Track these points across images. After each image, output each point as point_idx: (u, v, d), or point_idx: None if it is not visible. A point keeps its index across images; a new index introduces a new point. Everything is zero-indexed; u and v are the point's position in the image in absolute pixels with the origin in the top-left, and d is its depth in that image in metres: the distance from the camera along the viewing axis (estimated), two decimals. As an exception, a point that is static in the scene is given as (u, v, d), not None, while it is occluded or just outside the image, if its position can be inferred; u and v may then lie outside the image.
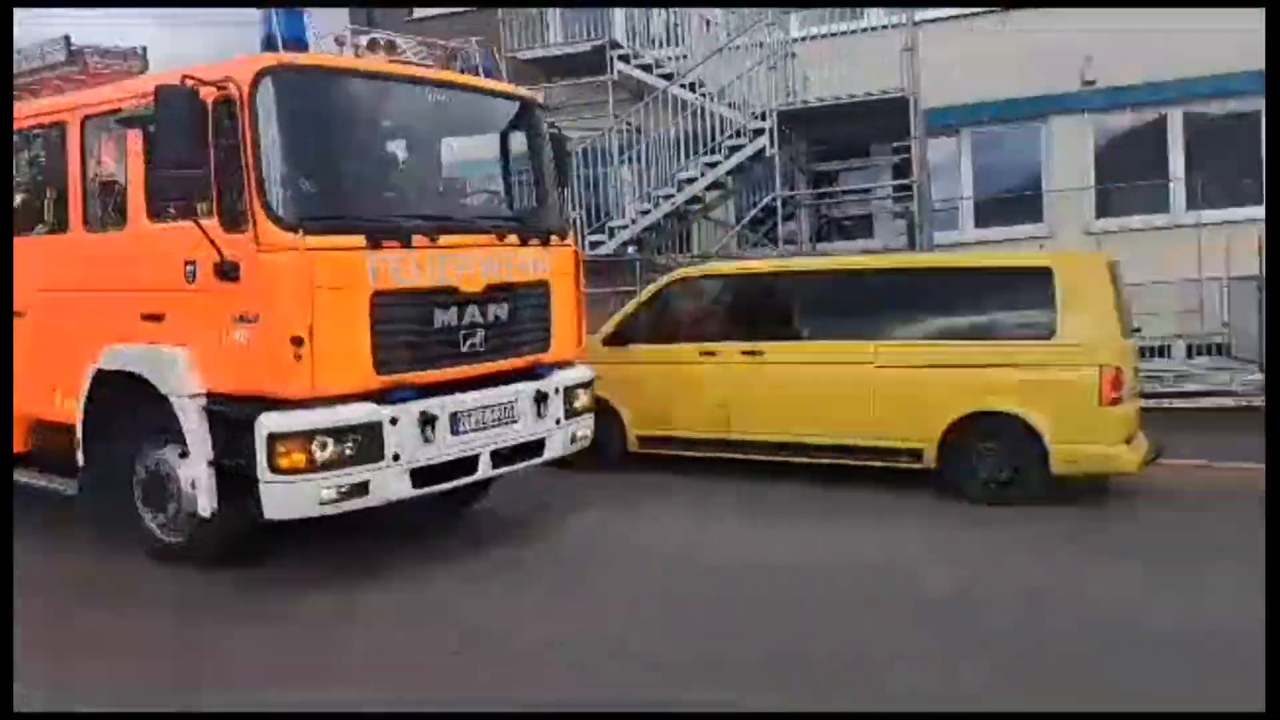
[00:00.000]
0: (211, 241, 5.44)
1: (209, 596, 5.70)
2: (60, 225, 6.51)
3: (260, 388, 5.50)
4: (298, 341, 5.35)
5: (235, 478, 5.53)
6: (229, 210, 5.50)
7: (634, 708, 3.18)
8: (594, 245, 12.28)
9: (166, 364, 5.76)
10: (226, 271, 5.47)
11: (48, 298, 6.52)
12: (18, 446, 6.78)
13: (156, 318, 5.84)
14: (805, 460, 7.85)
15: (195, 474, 5.66)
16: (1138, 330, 7.94)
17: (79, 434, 6.14)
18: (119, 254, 6.09)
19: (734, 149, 12.32)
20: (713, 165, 12.40)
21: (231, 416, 5.54)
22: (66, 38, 6.88)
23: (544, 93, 11.14)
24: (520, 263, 6.42)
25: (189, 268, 5.65)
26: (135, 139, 5.88)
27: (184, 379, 5.68)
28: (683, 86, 12.58)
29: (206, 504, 5.62)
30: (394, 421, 5.64)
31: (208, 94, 5.41)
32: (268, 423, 5.36)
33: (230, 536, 5.97)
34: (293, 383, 5.42)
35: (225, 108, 5.44)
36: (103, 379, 6.07)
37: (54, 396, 6.42)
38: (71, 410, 6.18)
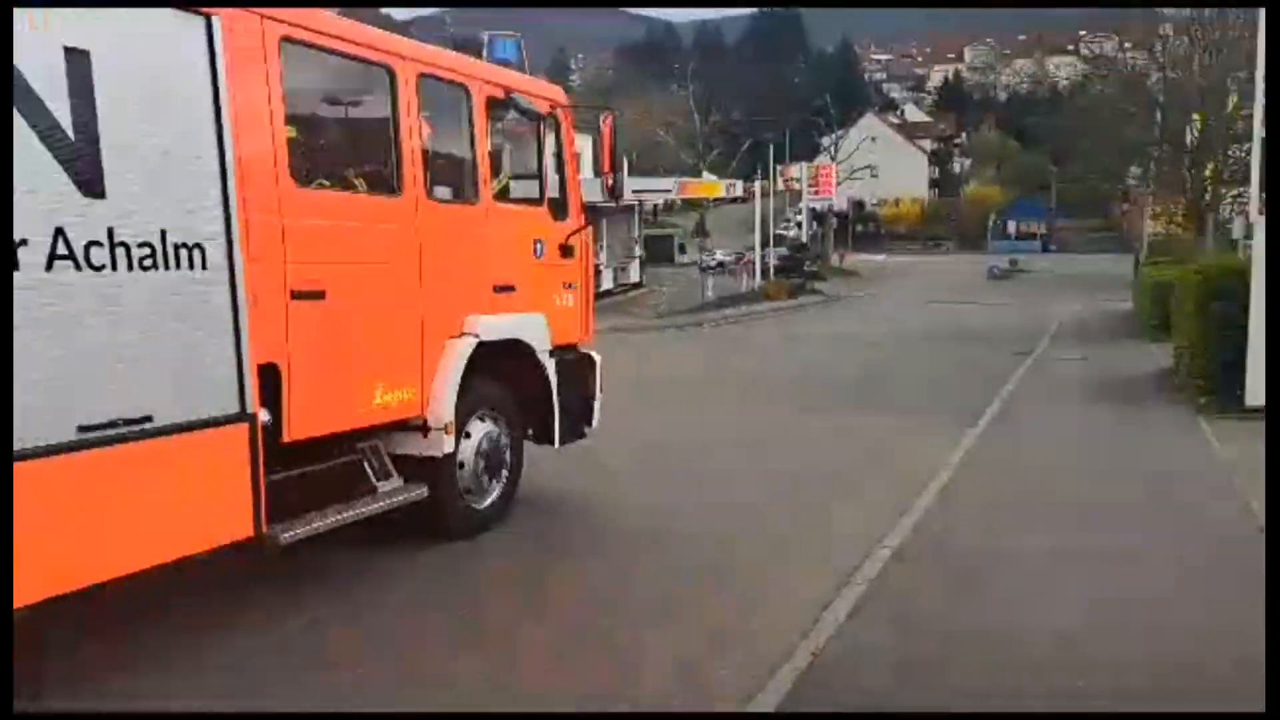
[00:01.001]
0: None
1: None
2: (385, 187, 5.78)
3: (569, 338, 7.30)
4: (592, 302, 7.63)
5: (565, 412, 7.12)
6: (557, 204, 7.18)
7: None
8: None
9: (540, 328, 6.85)
10: (568, 250, 7.20)
11: (357, 270, 5.46)
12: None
13: (508, 289, 6.58)
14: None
15: (556, 414, 7.01)
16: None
17: (444, 416, 5.98)
18: (473, 228, 6.37)
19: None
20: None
21: (567, 362, 7.16)
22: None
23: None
24: None
25: (537, 245, 6.95)
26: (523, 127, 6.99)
27: (548, 338, 6.94)
28: None
29: (568, 433, 7.26)
30: None
31: (542, 108, 7.02)
32: (598, 358, 7.54)
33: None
34: (589, 331, 7.65)
35: (554, 125, 7.18)
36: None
37: (371, 393, 5.59)
38: (391, 406, 5.70)
